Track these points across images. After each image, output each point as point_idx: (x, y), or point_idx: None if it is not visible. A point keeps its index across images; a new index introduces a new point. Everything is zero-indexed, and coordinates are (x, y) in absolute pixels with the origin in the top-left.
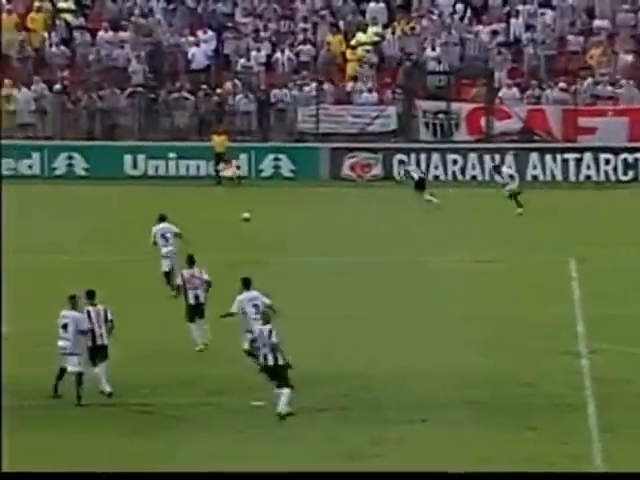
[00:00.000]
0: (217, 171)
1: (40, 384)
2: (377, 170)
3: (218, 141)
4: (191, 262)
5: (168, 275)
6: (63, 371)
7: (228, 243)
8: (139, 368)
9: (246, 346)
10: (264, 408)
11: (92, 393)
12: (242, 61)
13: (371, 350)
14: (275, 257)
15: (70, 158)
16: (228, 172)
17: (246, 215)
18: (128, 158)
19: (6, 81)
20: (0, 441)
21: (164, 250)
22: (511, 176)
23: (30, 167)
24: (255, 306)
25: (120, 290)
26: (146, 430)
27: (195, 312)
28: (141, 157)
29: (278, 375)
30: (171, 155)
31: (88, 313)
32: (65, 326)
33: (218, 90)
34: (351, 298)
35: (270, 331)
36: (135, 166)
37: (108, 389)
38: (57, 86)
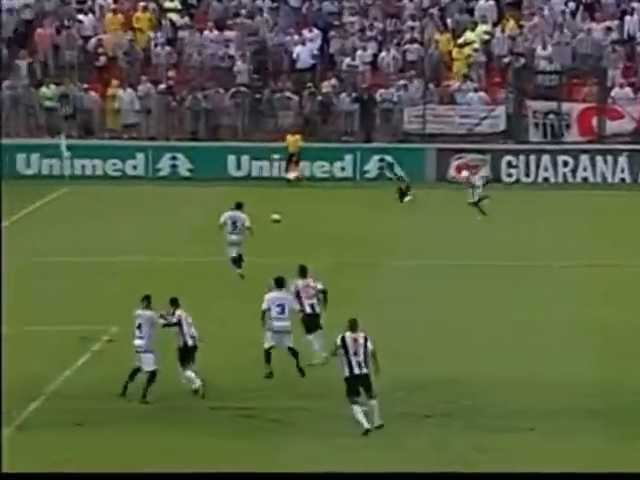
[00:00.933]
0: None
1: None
2: (485, 172)
3: (292, 141)
4: (303, 272)
5: (236, 260)
6: (136, 371)
7: (335, 245)
8: (242, 371)
9: (266, 345)
10: (369, 414)
11: (193, 396)
12: (347, 60)
13: (476, 355)
14: (381, 260)
15: (174, 159)
16: (292, 174)
17: (276, 217)
18: (232, 159)
19: (113, 81)
20: (0, 441)
21: (232, 237)
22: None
23: (135, 168)
24: (280, 306)
25: (225, 290)
26: (248, 434)
27: (312, 323)
28: (245, 158)
29: (365, 385)
30: (275, 156)
31: (179, 319)
32: (139, 326)
33: (324, 90)
34: (457, 301)
35: (365, 338)
36: (239, 167)
37: (198, 383)
38: (162, 86)
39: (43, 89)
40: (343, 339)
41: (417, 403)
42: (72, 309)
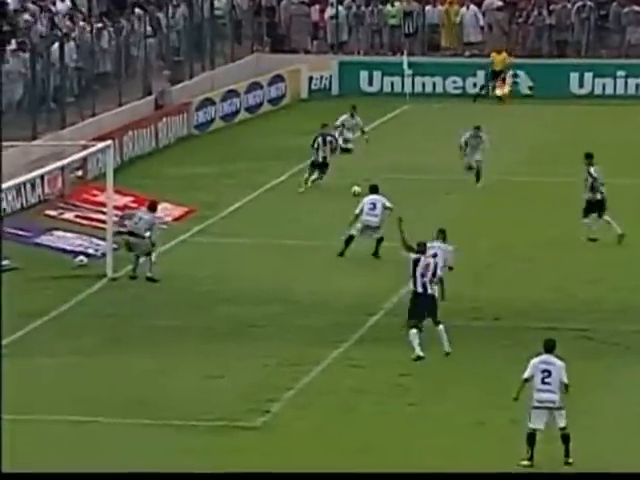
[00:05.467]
0: (482, 87)
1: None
2: None
3: (499, 59)
4: None
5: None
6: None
7: None
8: (580, 291)
9: (352, 231)
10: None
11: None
12: None
13: None
14: None
15: (515, 76)
16: (499, 91)
17: (357, 189)
18: (574, 76)
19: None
20: (0, 441)
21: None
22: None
23: (475, 85)
24: (372, 204)
25: (562, 211)
26: (585, 355)
27: None
28: (588, 75)
29: (428, 305)
30: (620, 73)
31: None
32: (434, 256)
33: None
34: None
35: (436, 265)
36: (581, 85)
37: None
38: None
39: (388, 7)
40: (417, 260)
41: None
42: (410, 226)
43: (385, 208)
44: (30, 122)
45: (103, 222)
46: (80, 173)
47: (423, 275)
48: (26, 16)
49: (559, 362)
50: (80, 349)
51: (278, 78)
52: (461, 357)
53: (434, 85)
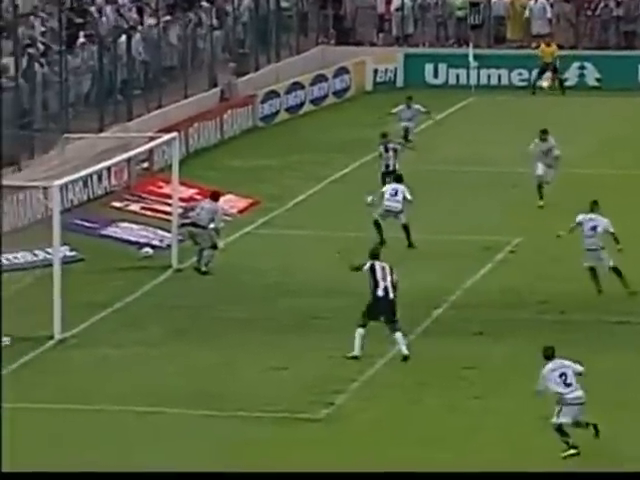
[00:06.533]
0: (536, 80)
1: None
2: None
3: (547, 51)
4: None
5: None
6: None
7: None
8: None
9: (377, 217)
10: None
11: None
12: None
13: None
14: None
15: (582, 68)
16: (545, 83)
17: (371, 198)
18: None
19: None
20: (0, 441)
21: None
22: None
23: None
24: (394, 189)
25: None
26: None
27: None
28: None
29: (386, 309)
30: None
31: None
32: (594, 228)
33: None
34: None
35: (392, 268)
36: None
37: None
38: None
39: None
40: (372, 266)
41: None
42: (475, 219)
43: (405, 198)
44: (97, 114)
45: (168, 214)
46: (146, 165)
47: (384, 279)
48: (93, 8)
49: (567, 362)
50: (145, 340)
51: (343, 70)
52: (526, 351)
53: (499, 77)
